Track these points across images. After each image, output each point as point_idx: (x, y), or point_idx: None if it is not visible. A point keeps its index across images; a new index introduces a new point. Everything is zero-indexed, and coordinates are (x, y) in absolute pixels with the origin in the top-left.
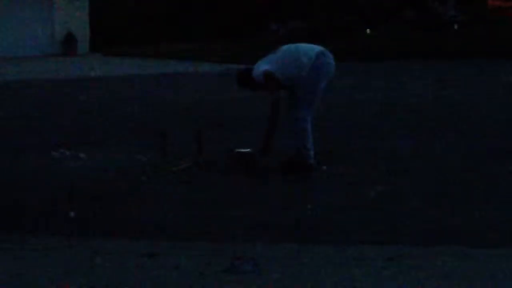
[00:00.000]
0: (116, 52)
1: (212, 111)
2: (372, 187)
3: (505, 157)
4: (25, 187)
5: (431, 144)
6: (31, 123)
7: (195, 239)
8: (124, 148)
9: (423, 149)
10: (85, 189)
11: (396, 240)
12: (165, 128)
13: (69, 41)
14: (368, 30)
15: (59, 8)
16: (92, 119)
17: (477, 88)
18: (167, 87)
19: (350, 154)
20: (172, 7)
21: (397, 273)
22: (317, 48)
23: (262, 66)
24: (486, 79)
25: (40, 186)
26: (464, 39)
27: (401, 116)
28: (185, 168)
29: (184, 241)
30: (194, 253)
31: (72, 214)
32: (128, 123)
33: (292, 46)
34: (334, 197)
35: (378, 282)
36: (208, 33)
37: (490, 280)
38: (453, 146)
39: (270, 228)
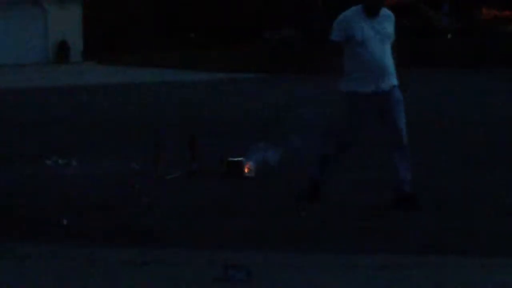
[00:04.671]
0: (110, 60)
1: (206, 119)
2: (366, 196)
3: (495, 165)
4: (17, 195)
5: (426, 152)
6: (24, 131)
7: (188, 247)
8: (117, 156)
9: (418, 157)
10: (77, 198)
11: (389, 249)
12: (158, 136)
13: (62, 49)
14: None
15: (52, 16)
16: (85, 127)
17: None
18: (161, 95)
19: (346, 161)
20: (164, 16)
21: (389, 281)
22: None
23: None
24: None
25: (33, 194)
26: (457, 48)
27: None
28: (178, 176)
29: (176, 250)
30: (186, 262)
31: (64, 222)
32: (122, 131)
33: None
34: (327, 205)
35: None
36: (201, 42)
37: None
38: (446, 152)
39: (263, 236)
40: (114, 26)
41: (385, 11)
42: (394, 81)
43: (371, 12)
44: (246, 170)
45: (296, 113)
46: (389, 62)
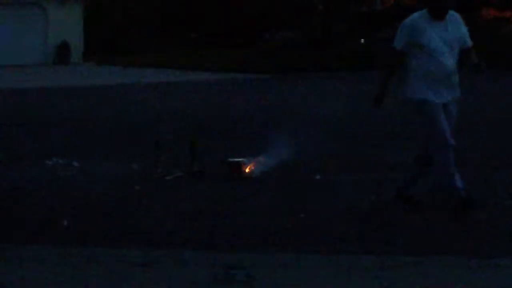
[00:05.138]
0: (110, 61)
1: (207, 119)
2: (367, 197)
3: (499, 166)
4: (19, 197)
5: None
6: (24, 132)
7: (188, 248)
8: (117, 156)
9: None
10: (78, 199)
11: (390, 250)
12: (158, 137)
13: (62, 50)
14: (362, 40)
15: (52, 17)
16: (85, 128)
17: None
18: (162, 96)
19: (345, 163)
20: (166, 16)
21: (391, 282)
22: None
23: None
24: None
25: (34, 196)
26: None
27: (389, 126)
28: (178, 177)
29: (177, 250)
30: (187, 262)
31: (65, 223)
32: (123, 132)
33: None
34: (328, 206)
35: None
36: (202, 42)
37: None
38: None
39: (264, 237)
40: (114, 27)
41: (451, 14)
42: (457, 92)
43: (437, 16)
44: (246, 171)
45: (297, 113)
46: (456, 70)
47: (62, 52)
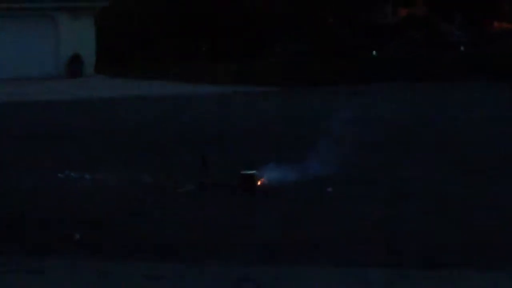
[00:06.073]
0: (121, 73)
1: (219, 131)
2: (375, 209)
3: (499, 177)
4: (31, 210)
5: (430, 167)
6: (37, 145)
7: (199, 261)
8: (129, 169)
9: (423, 173)
10: (90, 211)
11: (398, 263)
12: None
13: (74, 63)
14: (374, 52)
15: (64, 29)
16: (97, 141)
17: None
18: (174, 108)
19: (356, 176)
20: (177, 30)
21: None
22: None
23: None
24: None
25: (46, 209)
26: (470, 60)
27: (410, 138)
28: (190, 190)
29: (189, 264)
30: (197, 275)
31: (77, 237)
32: (134, 144)
33: None
34: (336, 218)
35: None
36: (212, 55)
37: None
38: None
39: (273, 249)
40: (125, 40)
41: None
42: None
43: None
44: (258, 183)
45: (307, 127)
46: None
47: (73, 65)
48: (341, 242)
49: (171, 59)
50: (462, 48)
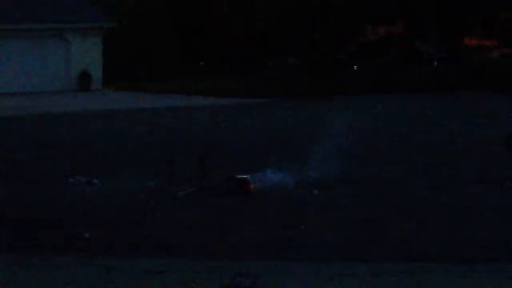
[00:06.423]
0: (127, 87)
1: (216, 139)
2: (360, 209)
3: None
4: (45, 211)
5: (414, 171)
6: (50, 153)
7: (198, 258)
8: (134, 174)
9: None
10: (99, 213)
11: (380, 257)
12: (171, 155)
13: (84, 78)
14: (355, 67)
15: (75, 48)
16: (104, 148)
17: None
18: (174, 119)
19: (342, 180)
20: (177, 47)
21: (381, 287)
22: None
23: None
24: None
25: (59, 210)
26: (442, 75)
27: (383, 146)
28: (190, 193)
29: (188, 260)
30: (198, 270)
31: (86, 235)
32: (139, 151)
33: None
34: (325, 218)
35: None
36: (211, 70)
37: None
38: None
39: (267, 246)
40: (131, 57)
41: None
42: None
43: None
44: (252, 187)
45: (298, 134)
46: None
47: (83, 80)
48: (327, 237)
49: (172, 74)
50: (434, 63)
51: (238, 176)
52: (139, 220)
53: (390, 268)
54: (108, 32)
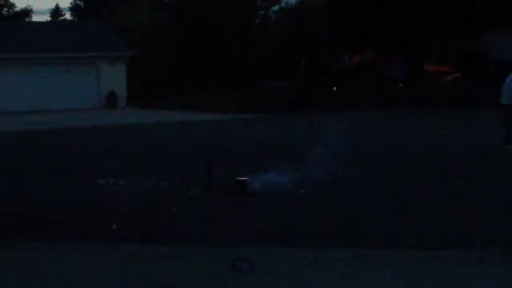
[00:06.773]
0: (148, 105)
1: (220, 148)
2: (342, 203)
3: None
4: (77, 206)
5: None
6: (82, 158)
7: (205, 245)
8: (153, 177)
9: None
10: (122, 208)
11: (360, 244)
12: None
13: (111, 97)
14: (334, 88)
15: (103, 72)
16: (129, 154)
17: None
18: (186, 131)
19: (326, 179)
20: (189, 71)
21: (359, 269)
22: None
23: None
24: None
25: (89, 205)
26: (405, 94)
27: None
28: (198, 192)
29: (196, 247)
30: (204, 255)
31: (114, 226)
32: (157, 158)
33: None
34: (313, 212)
35: (346, 276)
36: (213, 89)
37: (431, 276)
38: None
39: (263, 235)
40: (149, 79)
41: None
42: None
43: None
44: (250, 187)
45: (289, 142)
46: None
47: (110, 99)
48: (314, 229)
49: (184, 93)
50: (400, 84)
51: (238, 178)
52: (156, 214)
53: (368, 254)
54: (130, 60)
